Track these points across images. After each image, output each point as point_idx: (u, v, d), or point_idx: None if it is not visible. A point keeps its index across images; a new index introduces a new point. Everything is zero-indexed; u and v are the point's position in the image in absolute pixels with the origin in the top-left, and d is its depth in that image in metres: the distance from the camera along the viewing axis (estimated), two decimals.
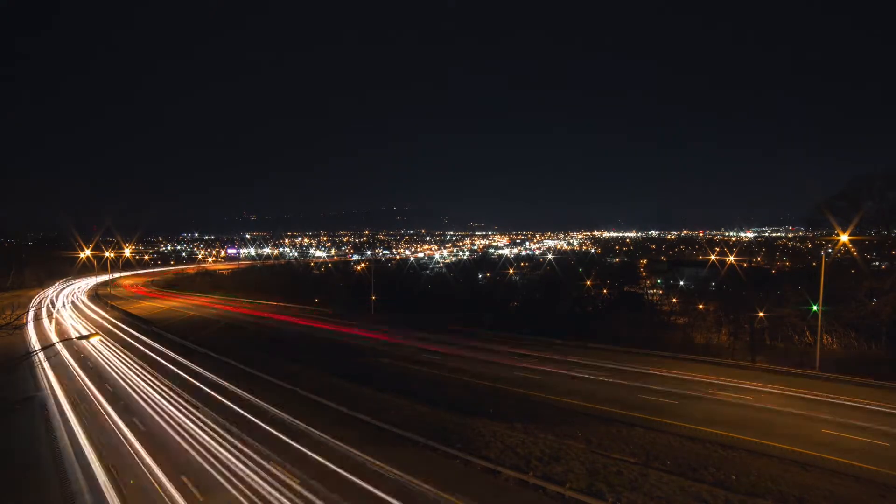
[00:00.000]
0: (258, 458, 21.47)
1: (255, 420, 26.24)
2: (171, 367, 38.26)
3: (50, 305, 77.32)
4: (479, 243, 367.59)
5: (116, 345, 46.80)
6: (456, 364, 37.85)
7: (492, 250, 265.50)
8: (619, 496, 17.49)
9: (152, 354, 42.71)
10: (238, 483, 19.44)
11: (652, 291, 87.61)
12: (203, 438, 23.92)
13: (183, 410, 28.05)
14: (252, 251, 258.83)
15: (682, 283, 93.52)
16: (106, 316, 66.10)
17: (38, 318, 63.01)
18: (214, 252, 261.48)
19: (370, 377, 34.27)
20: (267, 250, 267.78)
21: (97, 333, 41.19)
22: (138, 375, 35.79)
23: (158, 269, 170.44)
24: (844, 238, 39.77)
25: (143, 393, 31.58)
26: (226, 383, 33.07)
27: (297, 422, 25.66)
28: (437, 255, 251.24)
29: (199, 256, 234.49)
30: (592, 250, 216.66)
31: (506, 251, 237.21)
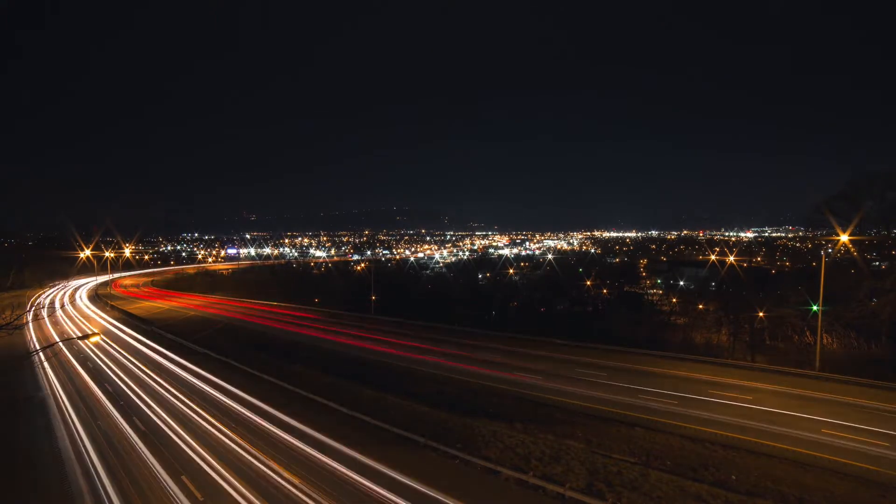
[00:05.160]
0: (258, 459, 21.49)
1: (256, 420, 26.25)
2: (170, 367, 38.26)
3: (50, 305, 77.35)
4: (479, 243, 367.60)
5: (116, 345, 46.80)
6: (456, 364, 37.85)
7: (492, 250, 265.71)
8: (619, 496, 17.50)
9: (152, 354, 42.71)
10: (238, 484, 19.45)
11: (652, 291, 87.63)
12: (203, 439, 23.93)
13: (183, 411, 28.07)
14: (252, 251, 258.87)
15: (682, 283, 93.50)
16: (106, 316, 66.08)
17: (38, 318, 62.99)
18: (214, 252, 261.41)
19: (370, 377, 34.28)
20: (267, 250, 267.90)
21: (97, 333, 41.10)
22: (138, 375, 35.80)
23: (158, 269, 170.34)
24: (844, 238, 39.76)
25: (144, 393, 31.58)
26: (225, 384, 33.07)
27: (297, 422, 25.69)
28: (437, 255, 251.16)
29: (199, 256, 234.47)
30: (592, 250, 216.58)
31: (506, 251, 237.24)
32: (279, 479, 19.60)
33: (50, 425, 26.47)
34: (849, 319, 40.34)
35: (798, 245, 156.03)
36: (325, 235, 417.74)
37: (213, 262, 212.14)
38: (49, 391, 32.56)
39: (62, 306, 76.43)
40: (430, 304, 68.44)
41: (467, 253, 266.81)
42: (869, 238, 44.35)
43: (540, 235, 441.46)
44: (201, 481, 19.68)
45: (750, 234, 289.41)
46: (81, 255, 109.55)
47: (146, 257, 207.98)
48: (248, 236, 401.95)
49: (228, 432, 24.57)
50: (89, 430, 25.47)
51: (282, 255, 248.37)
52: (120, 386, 33.33)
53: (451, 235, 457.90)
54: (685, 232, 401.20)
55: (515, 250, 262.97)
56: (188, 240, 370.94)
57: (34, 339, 50.22)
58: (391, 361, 39.23)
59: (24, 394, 32.20)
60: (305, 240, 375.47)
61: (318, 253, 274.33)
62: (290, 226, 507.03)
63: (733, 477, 19.18)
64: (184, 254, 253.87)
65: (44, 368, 38.14)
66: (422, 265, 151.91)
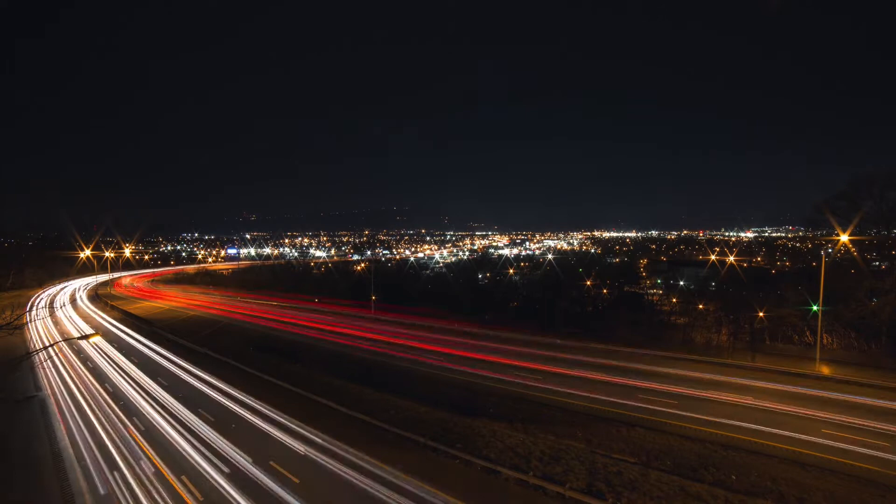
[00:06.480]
0: (258, 459, 21.48)
1: (255, 420, 26.24)
2: (170, 367, 38.25)
3: (50, 305, 77.30)
4: (479, 243, 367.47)
5: (116, 345, 46.79)
6: (456, 364, 37.84)
7: (492, 250, 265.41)
8: (619, 496, 17.50)
9: (152, 354, 42.71)
10: (239, 484, 19.45)
11: (652, 291, 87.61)
12: (202, 438, 23.93)
13: (182, 410, 28.06)
14: (252, 251, 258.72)
15: (682, 283, 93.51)
16: (106, 316, 66.07)
17: (38, 317, 62.98)
18: (214, 252, 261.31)
19: (370, 377, 34.28)
20: (267, 250, 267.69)
21: (97, 333, 41.13)
22: (138, 375, 35.79)
23: (158, 269, 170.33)
24: (844, 238, 39.73)
25: (143, 393, 31.57)
26: (225, 384, 33.07)
27: (297, 423, 25.68)
28: (437, 255, 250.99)
29: (199, 256, 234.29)
30: (592, 250, 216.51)
31: (506, 251, 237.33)
32: (280, 480, 19.59)
33: (50, 425, 26.45)
34: (849, 319, 40.23)
35: (798, 245, 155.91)
36: (325, 235, 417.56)
37: (214, 262, 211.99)
38: (49, 391, 32.54)
39: (62, 306, 76.39)
40: (430, 304, 68.33)
41: (467, 253, 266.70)
42: (869, 238, 44.30)
43: (540, 235, 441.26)
44: (201, 481, 19.68)
45: (750, 234, 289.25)
46: (81, 255, 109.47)
47: (146, 257, 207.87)
48: (248, 236, 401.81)
49: (228, 432, 24.56)
50: (89, 430, 25.46)
51: (282, 255, 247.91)
52: (119, 386, 33.33)
53: (451, 235, 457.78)
54: (685, 232, 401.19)
55: (515, 250, 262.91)
56: (188, 240, 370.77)
57: (34, 338, 50.20)
58: (391, 361, 39.23)
59: (25, 393, 32.18)
60: (305, 240, 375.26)
61: (319, 253, 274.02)
62: (290, 226, 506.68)
63: (733, 477, 19.18)
64: (184, 254, 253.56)
65: (44, 368, 38.12)
66: (422, 265, 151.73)
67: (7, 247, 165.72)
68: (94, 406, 29.28)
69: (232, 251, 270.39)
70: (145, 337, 50.44)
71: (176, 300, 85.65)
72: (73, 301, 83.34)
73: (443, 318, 55.85)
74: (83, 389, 32.63)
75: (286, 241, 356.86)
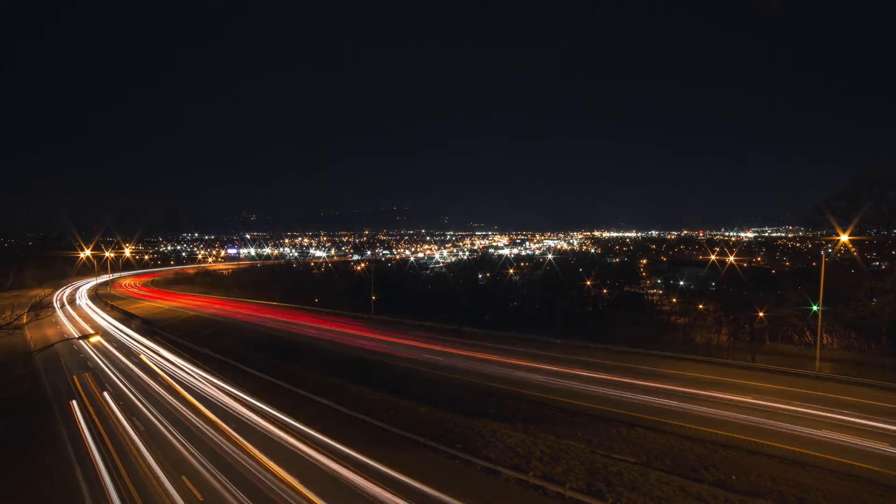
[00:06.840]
0: (258, 459, 21.48)
1: (255, 420, 26.24)
2: (170, 367, 38.24)
3: (50, 305, 77.30)
4: (479, 243, 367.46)
5: (116, 345, 46.79)
6: (456, 364, 37.86)
7: (492, 250, 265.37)
8: (619, 496, 17.49)
9: (152, 354, 42.70)
10: (238, 484, 19.45)
11: (652, 291, 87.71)
12: (202, 439, 23.92)
13: (182, 411, 28.06)
14: (252, 251, 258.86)
15: (682, 283, 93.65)
16: (106, 316, 66.05)
17: (38, 318, 62.97)
18: (214, 252, 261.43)
19: (370, 377, 34.29)
20: (267, 250, 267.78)
21: (97, 333, 41.15)
22: (138, 376, 35.79)
23: (158, 269, 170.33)
24: (844, 238, 39.77)
25: (143, 393, 31.57)
26: (225, 384, 33.07)
27: (297, 423, 25.67)
28: (437, 255, 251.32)
29: (199, 256, 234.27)
30: (592, 250, 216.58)
31: (506, 251, 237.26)
32: (280, 481, 19.59)
33: (50, 426, 26.45)
34: (849, 319, 40.28)
35: (798, 245, 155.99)
36: (325, 235, 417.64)
37: (213, 262, 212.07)
38: (49, 391, 32.54)
39: (62, 306, 76.44)
40: (430, 304, 68.39)
41: (467, 253, 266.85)
42: (869, 238, 44.37)
43: (540, 235, 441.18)
44: (201, 482, 19.67)
45: (750, 234, 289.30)
46: (81, 255, 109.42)
47: (146, 257, 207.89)
48: (248, 236, 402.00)
49: (228, 433, 24.55)
50: (89, 431, 25.42)
51: (282, 255, 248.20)
52: (120, 386, 33.32)
53: (451, 235, 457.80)
54: (685, 232, 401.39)
55: (515, 250, 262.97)
56: (188, 240, 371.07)
57: (34, 339, 50.20)
58: (391, 361, 39.25)
59: (24, 394, 32.18)
60: (305, 240, 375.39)
61: (318, 253, 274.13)
62: (290, 226, 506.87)
63: (733, 477, 19.19)
64: (184, 254, 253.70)
65: (44, 369, 38.11)
66: (422, 265, 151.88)
67: (7, 247, 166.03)
68: (93, 406, 29.28)
69: (232, 251, 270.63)
70: (145, 337, 50.44)
71: (176, 300, 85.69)
72: (73, 301, 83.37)
73: (442, 318, 55.73)
74: (83, 390, 32.62)
75: (286, 241, 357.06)
